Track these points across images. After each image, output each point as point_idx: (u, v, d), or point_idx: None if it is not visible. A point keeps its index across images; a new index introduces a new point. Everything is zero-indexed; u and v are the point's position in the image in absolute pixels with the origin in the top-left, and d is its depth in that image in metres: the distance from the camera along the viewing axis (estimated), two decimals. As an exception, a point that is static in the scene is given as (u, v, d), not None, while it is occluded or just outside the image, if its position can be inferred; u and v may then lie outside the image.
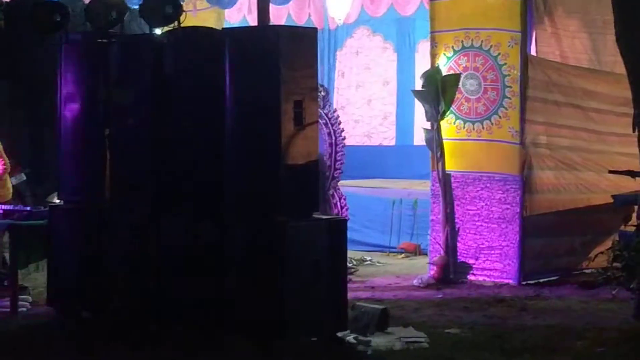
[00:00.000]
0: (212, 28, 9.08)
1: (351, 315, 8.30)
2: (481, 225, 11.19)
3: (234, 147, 8.05)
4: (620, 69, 8.91)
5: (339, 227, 8.18)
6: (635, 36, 8.37)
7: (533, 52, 11.35)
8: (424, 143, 11.74)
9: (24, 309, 9.53)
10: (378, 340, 8.13)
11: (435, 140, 11.38)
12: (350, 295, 8.44)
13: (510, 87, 10.99)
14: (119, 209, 8.73)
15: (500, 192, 11.09)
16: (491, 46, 11.08)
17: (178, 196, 8.36)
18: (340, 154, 11.94)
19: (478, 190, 11.23)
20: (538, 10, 11.28)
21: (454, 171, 11.39)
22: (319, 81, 9.44)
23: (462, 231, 11.32)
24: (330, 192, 11.85)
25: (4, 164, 10.85)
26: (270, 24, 10.17)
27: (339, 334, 8.08)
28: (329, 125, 11.92)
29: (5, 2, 12.94)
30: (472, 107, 11.24)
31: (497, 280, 11.03)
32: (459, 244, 11.32)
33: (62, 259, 9.12)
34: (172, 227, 8.35)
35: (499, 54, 11.03)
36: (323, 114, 11.65)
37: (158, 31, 9.02)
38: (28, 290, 9.99)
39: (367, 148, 16.10)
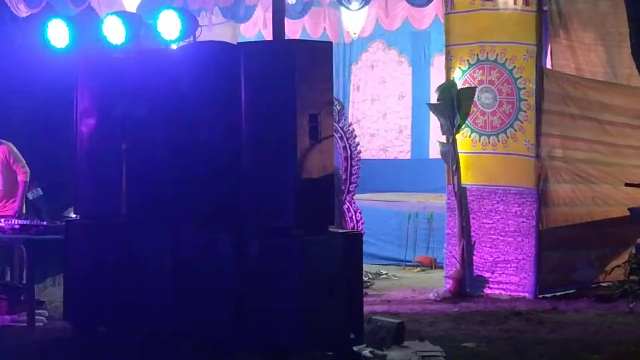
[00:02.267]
0: (227, 42, 9.09)
1: (367, 329, 8.29)
2: (497, 239, 11.17)
3: (249, 161, 8.06)
4: (636, 81, 8.92)
5: (354, 241, 8.18)
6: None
7: (548, 65, 11.35)
8: (439, 156, 11.73)
9: (41, 324, 9.55)
10: (394, 355, 8.11)
11: (450, 153, 11.37)
12: (366, 309, 8.43)
13: (526, 100, 10.98)
14: (135, 223, 8.74)
15: (516, 205, 11.06)
16: (506, 59, 11.08)
17: (194, 211, 8.37)
18: (355, 167, 11.94)
19: (494, 204, 11.21)
20: (553, 23, 11.28)
21: (470, 184, 11.37)
22: (334, 95, 9.45)
23: (478, 244, 11.30)
24: (346, 205, 11.85)
25: (25, 171, 10.89)
26: (286, 38, 10.19)
27: (355, 348, 8.07)
28: (345, 139, 11.93)
29: (22, 17, 13.01)
30: (487, 120, 11.23)
31: (513, 293, 11.00)
32: (475, 258, 11.30)
33: (79, 273, 9.13)
34: (188, 241, 8.35)
35: (515, 67, 11.03)
36: (338, 128, 11.65)
37: (174, 46, 9.05)
38: (45, 305, 10.01)
39: (382, 162, 16.12)
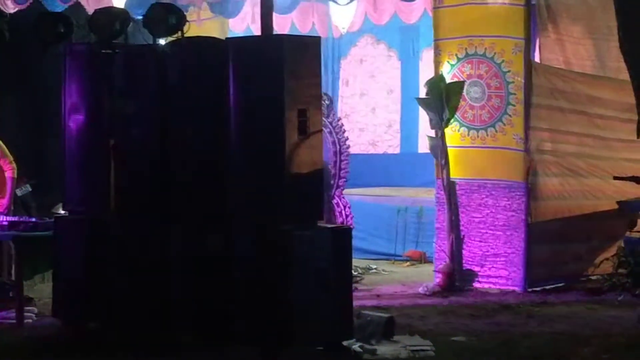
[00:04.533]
0: (216, 38, 9.09)
1: (357, 324, 8.29)
2: (486, 233, 11.18)
3: (238, 156, 8.06)
4: (625, 75, 8.90)
5: (343, 235, 8.17)
6: (638, 42, 8.37)
7: (537, 59, 11.36)
8: (428, 151, 11.74)
9: (30, 320, 9.53)
10: (384, 349, 8.12)
11: (439, 147, 11.37)
12: (355, 303, 8.43)
13: (515, 94, 10.99)
14: (124, 219, 8.73)
15: (505, 199, 11.08)
16: (495, 53, 11.08)
17: (183, 206, 8.37)
18: (344, 162, 11.94)
19: (483, 198, 11.23)
20: (542, 17, 11.29)
21: (459, 179, 11.38)
22: (323, 90, 9.43)
23: (468, 239, 11.31)
24: (335, 200, 11.85)
25: (12, 167, 10.85)
26: (274, 33, 10.18)
27: (345, 343, 8.07)
28: (334, 133, 11.92)
29: (10, 13, 12.97)
30: (476, 114, 11.24)
31: (502, 287, 11.01)
32: (464, 252, 11.31)
33: (68, 270, 9.11)
34: (177, 237, 8.35)
35: (503, 61, 11.03)
36: (327, 123, 11.64)
37: (162, 41, 9.03)
38: (34, 302, 9.99)
39: (371, 156, 16.10)
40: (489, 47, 11.13)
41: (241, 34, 14.10)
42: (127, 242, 8.69)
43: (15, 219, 9.99)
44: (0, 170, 10.91)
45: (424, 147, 13.43)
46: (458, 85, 11.24)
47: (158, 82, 8.53)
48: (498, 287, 11.05)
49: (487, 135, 11.18)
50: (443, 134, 11.34)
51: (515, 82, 10.98)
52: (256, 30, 13.95)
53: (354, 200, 12.54)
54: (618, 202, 10.91)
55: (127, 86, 8.74)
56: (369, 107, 16.40)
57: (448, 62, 11.38)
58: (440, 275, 11.28)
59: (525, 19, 10.98)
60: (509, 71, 11.01)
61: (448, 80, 11.33)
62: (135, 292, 8.58)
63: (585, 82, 11.59)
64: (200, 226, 8.26)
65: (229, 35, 13.73)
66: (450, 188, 11.35)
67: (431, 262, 12.06)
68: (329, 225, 8.73)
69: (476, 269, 11.23)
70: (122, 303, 8.67)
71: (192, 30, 8.86)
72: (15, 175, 10.92)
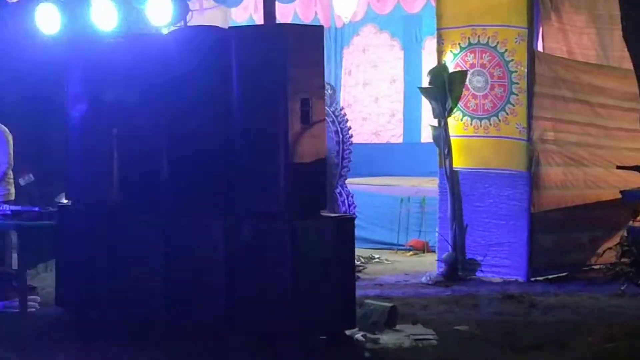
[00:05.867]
0: (218, 27, 9.07)
1: (359, 313, 8.30)
2: (489, 222, 11.18)
3: (241, 146, 8.05)
4: (628, 64, 8.89)
5: (346, 225, 8.17)
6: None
7: (540, 48, 11.34)
8: (431, 140, 11.73)
9: (33, 309, 9.55)
10: (387, 338, 8.13)
11: (442, 137, 11.37)
12: (358, 292, 8.42)
13: (518, 83, 10.97)
14: (127, 208, 8.74)
15: (508, 188, 11.07)
16: (498, 42, 11.07)
17: (185, 195, 8.37)
18: (347, 151, 11.94)
19: (486, 187, 11.22)
20: (545, 6, 11.28)
21: (462, 168, 11.38)
22: (326, 79, 9.44)
23: (470, 228, 11.30)
24: (338, 190, 11.85)
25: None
26: (277, 22, 10.17)
27: (348, 332, 8.08)
28: (336, 123, 11.91)
29: (13, 3, 12.95)
30: (479, 103, 11.23)
31: (505, 276, 11.01)
32: (467, 241, 11.31)
33: (71, 259, 9.13)
34: (180, 226, 8.35)
35: (506, 50, 11.02)
36: (330, 112, 11.64)
37: (165, 30, 9.03)
38: (37, 291, 10.00)
39: (374, 146, 16.11)
40: (492, 36, 11.11)
41: (243, 24, 14.11)
42: (130, 232, 8.69)
43: (18, 208, 10.00)
44: None
45: (426, 136, 13.43)
46: (461, 75, 11.23)
47: (161, 72, 8.51)
48: (501, 276, 11.05)
49: (490, 124, 11.17)
50: (446, 124, 11.34)
51: (518, 72, 10.97)
52: (258, 20, 14.00)
53: (356, 190, 12.53)
54: (621, 192, 10.89)
55: (130, 75, 8.73)
56: (371, 96, 16.40)
57: (451, 51, 11.37)
58: (443, 264, 11.29)
59: (528, 8, 10.96)
60: (511, 60, 11.00)
61: (451, 69, 11.32)
62: (137, 282, 8.59)
63: (588, 72, 11.58)
64: (202, 215, 8.25)
65: (231, 25, 13.73)
66: (453, 177, 11.35)
67: (434, 251, 12.08)
68: (332, 215, 8.73)
69: (479, 258, 11.23)
70: (124, 293, 8.68)
71: (195, 19, 8.88)
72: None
